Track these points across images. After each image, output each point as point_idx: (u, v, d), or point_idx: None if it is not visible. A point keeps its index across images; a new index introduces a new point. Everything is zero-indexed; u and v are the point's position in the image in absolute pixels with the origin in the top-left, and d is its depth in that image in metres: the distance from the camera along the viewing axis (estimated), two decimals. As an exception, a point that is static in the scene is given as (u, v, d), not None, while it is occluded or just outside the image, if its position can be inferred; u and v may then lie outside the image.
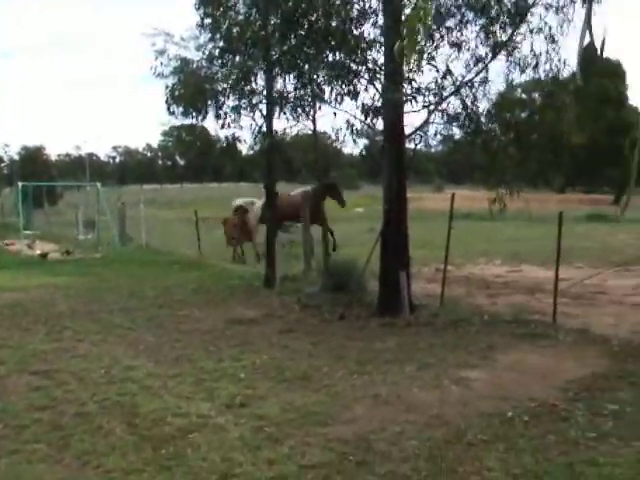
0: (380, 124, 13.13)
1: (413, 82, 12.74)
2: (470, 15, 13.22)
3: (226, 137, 18.03)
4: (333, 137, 14.61)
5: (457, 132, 14.24)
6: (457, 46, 13.37)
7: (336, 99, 13.29)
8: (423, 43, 10.41)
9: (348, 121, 13.34)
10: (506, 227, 34.50)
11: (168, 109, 17.41)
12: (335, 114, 13.56)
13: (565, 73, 13.79)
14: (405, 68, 12.46)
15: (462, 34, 13.32)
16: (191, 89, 16.66)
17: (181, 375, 9.12)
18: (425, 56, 12.80)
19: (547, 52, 13.30)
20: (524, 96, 18.09)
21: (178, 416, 7.47)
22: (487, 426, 7.05)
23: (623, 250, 22.90)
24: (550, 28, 13.19)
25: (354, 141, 13.83)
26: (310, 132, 16.94)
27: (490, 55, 13.30)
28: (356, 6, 12.75)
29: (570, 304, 13.39)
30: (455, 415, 7.42)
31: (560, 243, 11.92)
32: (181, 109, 17.31)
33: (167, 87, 17.15)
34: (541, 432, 6.88)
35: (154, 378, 9.00)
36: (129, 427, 7.21)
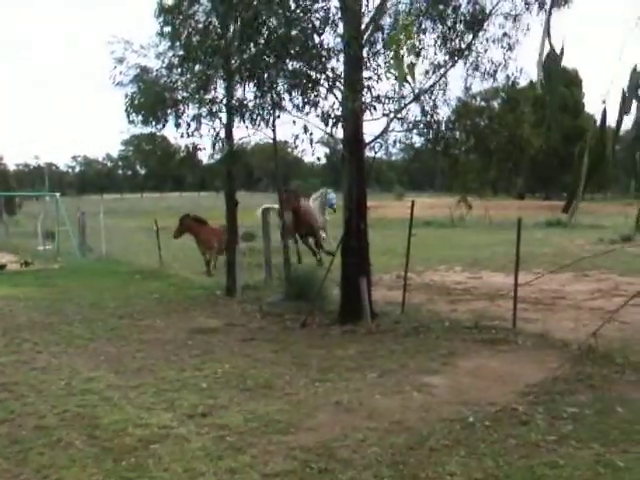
0: (340, 132, 13.20)
1: (372, 90, 12.80)
2: (428, 23, 13.36)
3: (186, 146, 17.98)
4: (293, 146, 14.64)
5: (418, 140, 14.34)
6: (415, 54, 13.47)
7: (296, 107, 13.32)
8: (412, 58, 10.45)
9: (305, 127, 13.38)
10: (466, 234, 34.78)
11: (128, 118, 17.27)
12: (294, 122, 13.57)
13: (523, 81, 14.03)
14: (365, 75, 12.57)
15: (420, 42, 13.44)
16: (151, 98, 16.53)
17: (142, 386, 9.05)
18: (384, 64, 12.92)
19: (504, 60, 13.52)
20: (484, 103, 18.25)
21: (139, 427, 7.42)
22: (448, 431, 7.10)
23: (579, 255, 23.16)
24: (508, 36, 13.41)
25: (312, 150, 13.90)
26: (270, 140, 16.90)
27: (449, 63, 13.44)
28: (316, 15, 12.77)
29: (529, 309, 13.56)
30: (417, 421, 7.46)
31: (519, 249, 12.04)
32: (141, 118, 17.15)
33: (126, 96, 17.02)
34: (502, 436, 6.95)
35: (115, 389, 8.93)
36: (89, 439, 7.14)
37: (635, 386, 8.66)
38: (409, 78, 10.11)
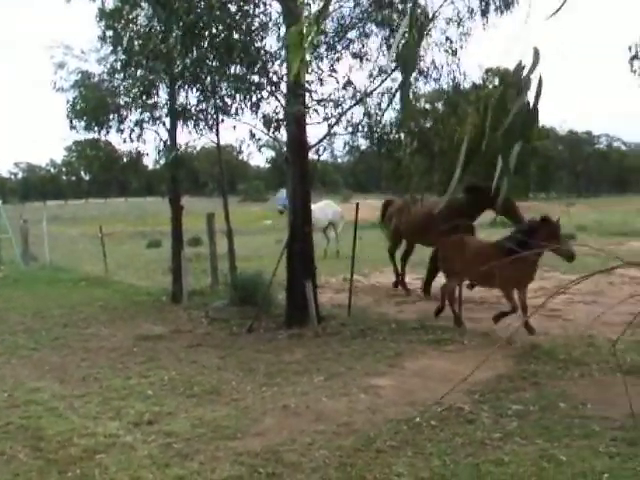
0: (284, 136, 13.21)
1: (314, 94, 12.86)
2: (372, 27, 13.46)
3: (129, 151, 17.83)
4: (238, 150, 14.64)
5: (363, 142, 14.42)
6: (359, 57, 13.58)
7: (238, 111, 13.32)
8: (308, 58, 10.51)
9: (251, 132, 13.39)
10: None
11: (70, 123, 17.06)
12: (234, 127, 13.59)
13: (467, 84, 14.24)
14: (307, 79, 12.60)
15: (364, 45, 13.56)
16: (93, 103, 16.35)
17: (88, 395, 8.95)
18: (326, 67, 12.99)
19: (448, 64, 13.70)
20: (428, 106, 18.45)
21: (85, 437, 7.34)
22: (395, 432, 7.15)
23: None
24: (450, 41, 13.59)
25: (260, 152, 13.91)
26: (215, 145, 16.84)
27: (393, 66, 13.55)
28: (257, 19, 12.78)
29: (474, 309, 13.71)
30: (364, 423, 7.50)
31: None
32: (83, 123, 16.97)
33: (68, 101, 16.81)
34: (448, 435, 7.03)
35: (59, 399, 8.81)
36: (33, 451, 7.03)
37: (577, 381, 8.84)
38: (302, 74, 10.19)
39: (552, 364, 9.59)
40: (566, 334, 11.37)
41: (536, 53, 2.80)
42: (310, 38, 3.30)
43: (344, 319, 13.15)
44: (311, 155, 13.51)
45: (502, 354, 10.13)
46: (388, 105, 13.69)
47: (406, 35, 3.07)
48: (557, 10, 2.94)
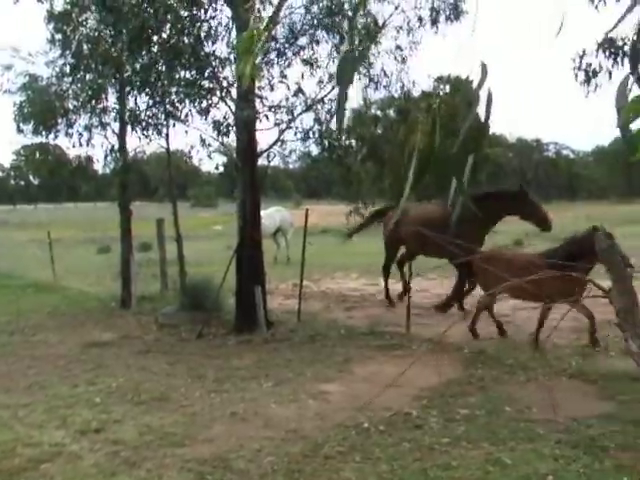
0: (235, 142, 13.19)
1: (265, 100, 12.88)
2: (322, 33, 13.52)
3: (78, 156, 17.65)
4: (188, 155, 14.60)
5: (315, 148, 14.48)
6: (310, 64, 13.63)
7: (188, 117, 13.30)
8: (258, 62, 10.52)
9: (201, 138, 13.37)
10: (363, 241, 35.05)
11: (17, 127, 16.84)
12: (186, 132, 13.56)
13: (416, 92, 14.39)
14: (258, 85, 12.62)
15: (314, 52, 13.61)
16: (40, 106, 16.16)
17: (33, 403, 8.80)
18: (277, 74, 13.02)
19: (398, 72, 13.83)
20: (379, 113, 18.60)
21: (29, 446, 7.22)
22: (344, 438, 7.18)
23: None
24: (400, 49, 13.72)
25: (210, 158, 13.90)
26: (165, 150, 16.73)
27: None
28: (206, 24, 12.76)
29: (424, 314, 13.79)
30: (312, 429, 7.51)
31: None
32: (31, 127, 16.76)
33: (15, 104, 16.59)
34: (396, 440, 7.07)
35: (4, 408, 8.65)
36: (-25, 462, 6.90)
37: (523, 385, 8.97)
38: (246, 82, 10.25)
39: (499, 369, 9.73)
40: (513, 339, 11.53)
41: (484, 68, 2.85)
42: (260, 44, 3.32)
43: (294, 325, 13.18)
44: (262, 161, 13.53)
45: (450, 359, 10.24)
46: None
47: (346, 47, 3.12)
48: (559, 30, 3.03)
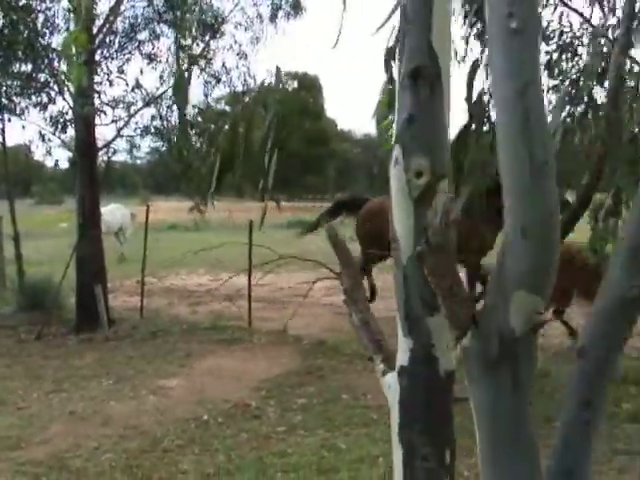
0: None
1: (103, 95, 12.71)
2: (163, 28, 13.45)
3: None
4: (28, 151, 14.21)
5: (159, 144, 14.39)
6: (150, 58, 13.53)
7: (24, 111, 12.95)
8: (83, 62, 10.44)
9: (40, 133, 13.05)
10: (210, 236, 34.97)
11: None
12: (23, 127, 13.20)
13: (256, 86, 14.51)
14: (96, 80, 12.44)
15: (155, 47, 13.51)
16: None
17: None
18: (115, 69, 12.86)
19: (237, 67, 13.93)
20: (227, 108, 18.59)
21: None
22: (182, 431, 7.26)
23: (315, 254, 24.05)
24: (239, 44, 13.83)
25: (49, 154, 13.59)
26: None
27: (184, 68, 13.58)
28: (41, 15, 12.44)
29: (267, 308, 14.00)
30: (152, 424, 7.55)
31: (251, 250, 12.44)
32: None
33: None
34: (234, 431, 7.22)
35: None
36: None
37: (360, 374, 9.25)
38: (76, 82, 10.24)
39: (337, 359, 10.04)
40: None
41: (278, 71, 3.02)
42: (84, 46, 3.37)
43: (136, 322, 13.07)
44: (105, 157, 13.35)
45: (290, 351, 10.48)
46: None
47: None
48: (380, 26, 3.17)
